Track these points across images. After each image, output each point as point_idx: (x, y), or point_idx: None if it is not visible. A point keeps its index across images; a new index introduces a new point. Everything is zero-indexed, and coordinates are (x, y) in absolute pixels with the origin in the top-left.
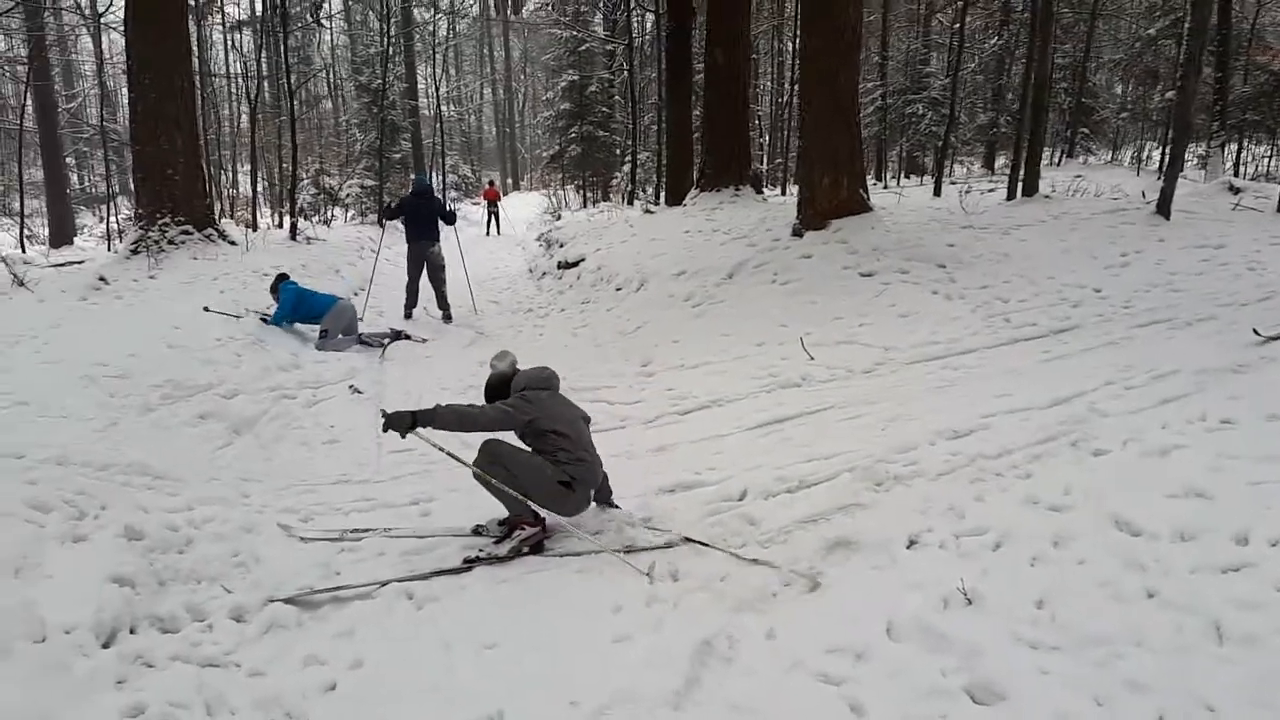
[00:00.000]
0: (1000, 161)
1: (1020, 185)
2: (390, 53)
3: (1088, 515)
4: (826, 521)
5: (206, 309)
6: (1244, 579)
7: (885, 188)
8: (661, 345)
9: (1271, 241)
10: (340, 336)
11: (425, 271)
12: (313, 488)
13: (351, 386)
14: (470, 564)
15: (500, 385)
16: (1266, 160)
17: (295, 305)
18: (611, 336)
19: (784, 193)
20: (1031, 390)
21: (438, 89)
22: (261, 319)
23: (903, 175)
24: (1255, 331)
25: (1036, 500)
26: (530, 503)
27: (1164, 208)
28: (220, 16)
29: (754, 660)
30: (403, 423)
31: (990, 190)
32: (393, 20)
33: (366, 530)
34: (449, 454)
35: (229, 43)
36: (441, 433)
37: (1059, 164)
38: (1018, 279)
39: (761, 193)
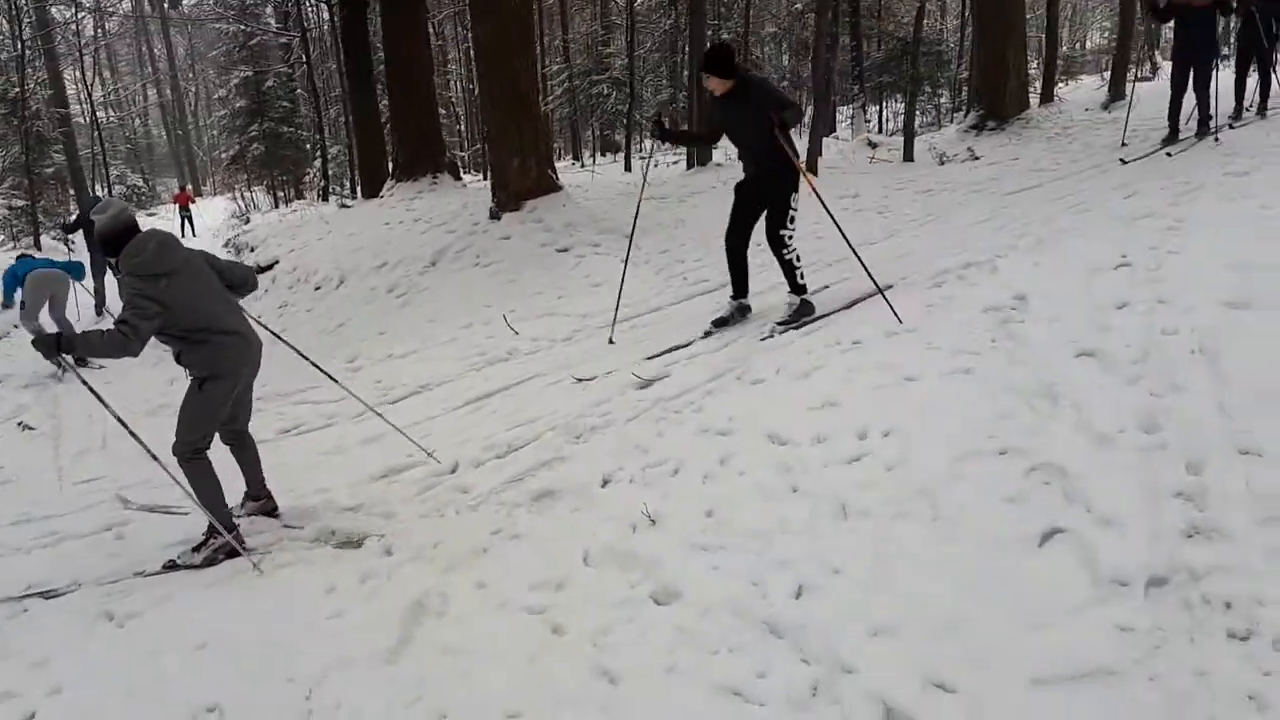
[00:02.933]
0: None
1: (695, 156)
2: (27, 57)
3: (747, 435)
4: (533, 477)
5: None
6: (863, 466)
7: (582, 166)
8: (368, 339)
9: (897, 187)
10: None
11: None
12: None
13: (21, 423)
14: (170, 567)
15: (113, 241)
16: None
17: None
18: (314, 337)
19: (485, 177)
20: (704, 338)
21: (90, 93)
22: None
23: (598, 154)
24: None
25: (707, 429)
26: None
27: (812, 165)
28: None
29: (465, 609)
30: (47, 345)
31: (674, 163)
32: (25, 21)
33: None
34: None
35: None
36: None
37: None
38: (691, 242)
39: (460, 179)
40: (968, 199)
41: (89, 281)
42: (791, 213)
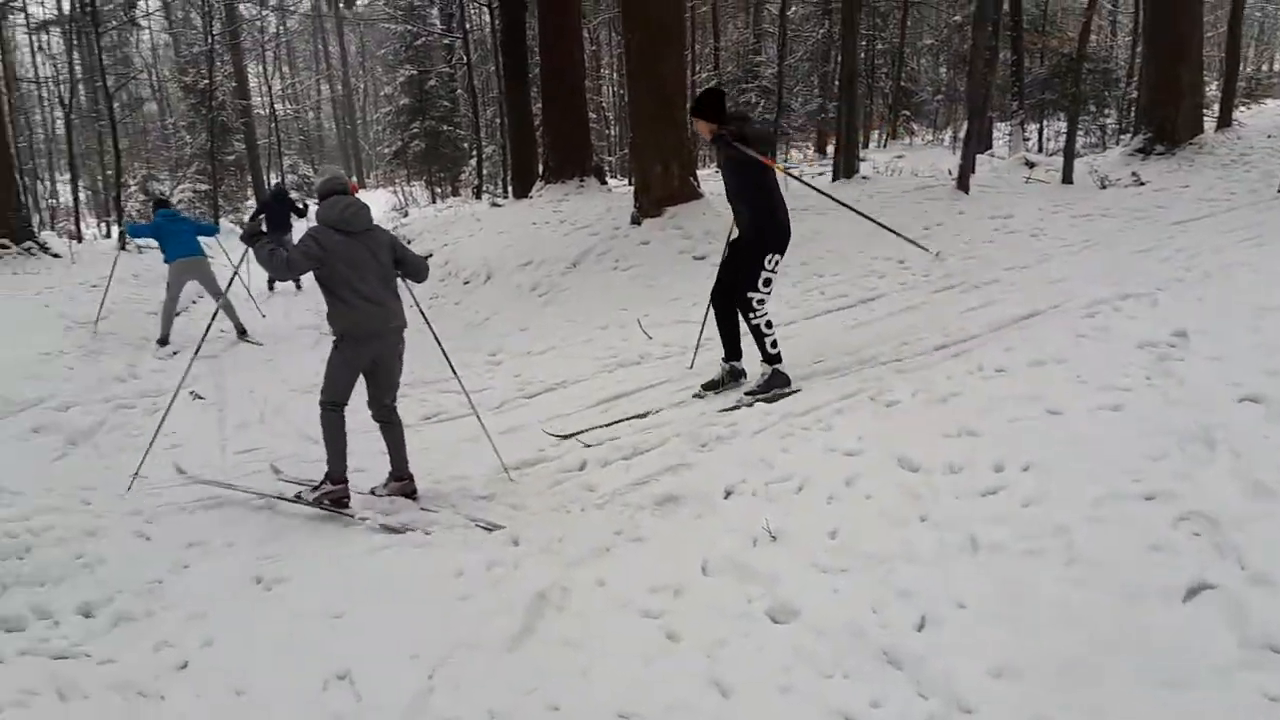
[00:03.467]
0: (831, 147)
1: (842, 167)
2: (216, 51)
3: (876, 457)
4: (656, 481)
5: None
6: (997, 499)
7: None
8: (510, 334)
9: (1053, 210)
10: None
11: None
12: (157, 490)
13: (193, 393)
14: (296, 499)
15: (322, 196)
16: (1064, 136)
17: (151, 233)
18: (460, 329)
19: (630, 182)
20: (839, 354)
21: (269, 87)
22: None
23: None
24: None
25: (834, 448)
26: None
27: (964, 183)
28: (24, 16)
29: (585, 605)
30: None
31: (819, 174)
32: (216, 18)
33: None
34: None
35: (35, 44)
36: None
37: (884, 145)
38: (830, 255)
39: (605, 183)
40: (1130, 226)
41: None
42: (765, 275)
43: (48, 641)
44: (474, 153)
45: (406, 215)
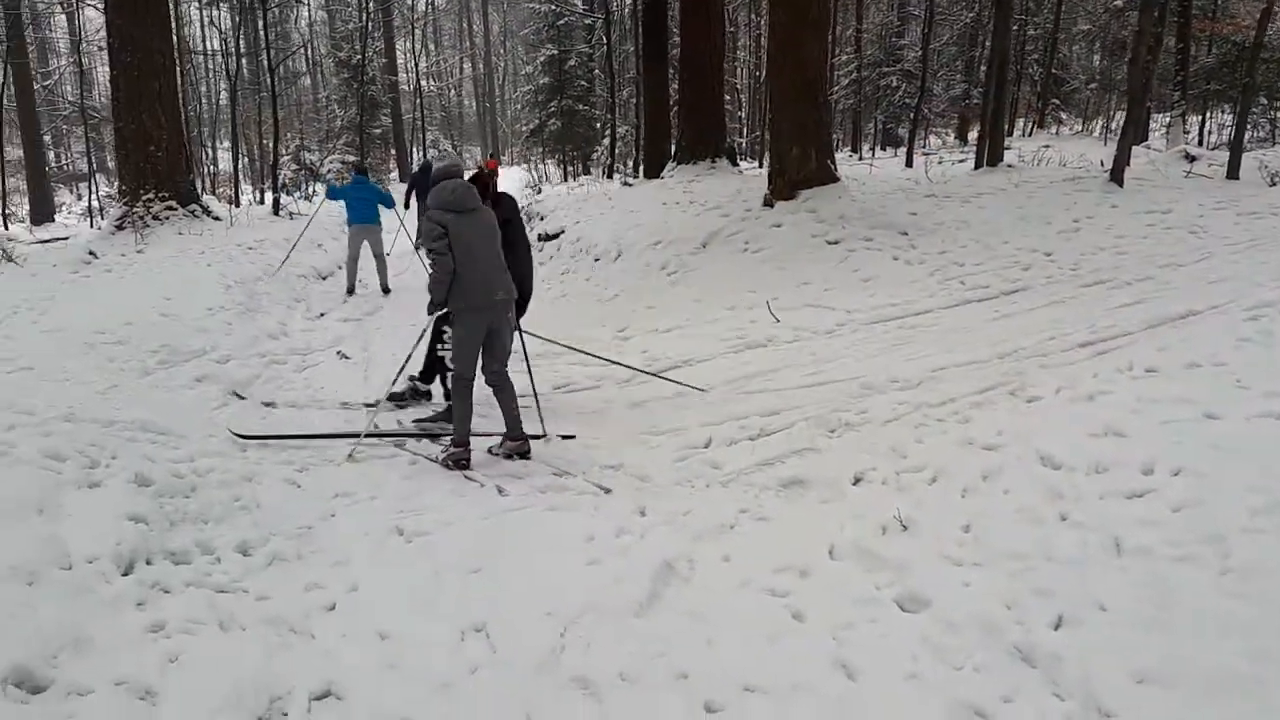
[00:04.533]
0: (973, 133)
1: (986, 155)
2: (369, 28)
3: (1015, 453)
4: (782, 463)
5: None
6: (1145, 503)
7: (860, 159)
8: (637, 311)
9: (1216, 207)
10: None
11: None
12: (305, 443)
13: (339, 352)
14: (420, 435)
15: (439, 178)
16: (1230, 129)
17: (342, 196)
18: (589, 304)
19: (761, 165)
20: (978, 346)
21: (417, 64)
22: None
23: (878, 147)
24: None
25: (972, 441)
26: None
27: (1118, 175)
28: None
29: (710, 579)
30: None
31: (960, 161)
32: None
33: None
34: None
35: (205, 19)
36: None
37: (1030, 134)
38: (973, 244)
39: (737, 165)
40: None
41: (400, 210)
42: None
43: (210, 576)
44: (607, 132)
45: (540, 192)
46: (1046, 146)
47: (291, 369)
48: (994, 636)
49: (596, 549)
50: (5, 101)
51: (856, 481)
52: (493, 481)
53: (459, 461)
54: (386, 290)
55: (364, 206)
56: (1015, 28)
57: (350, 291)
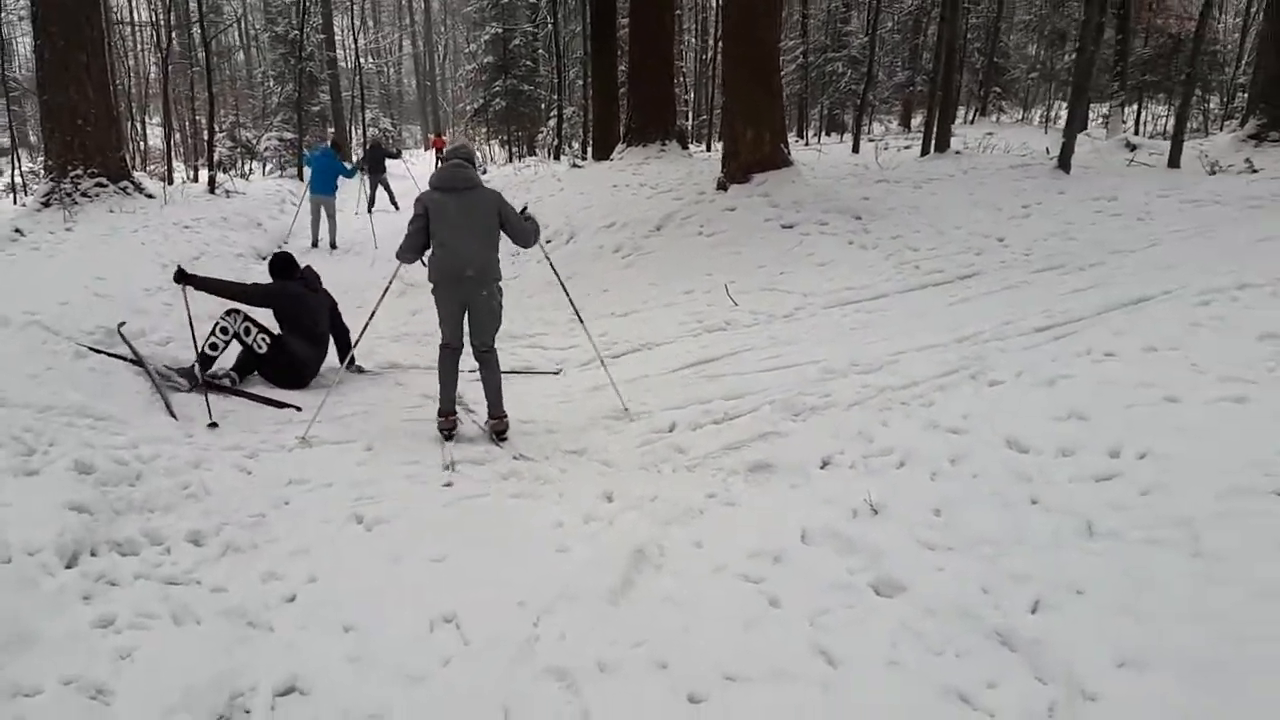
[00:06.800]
0: (917, 120)
1: (933, 142)
2: (306, 3)
3: (982, 437)
4: (748, 448)
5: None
6: (1114, 486)
7: (806, 145)
8: (592, 295)
9: (1160, 194)
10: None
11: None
12: (255, 429)
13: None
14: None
15: (446, 157)
16: (1164, 119)
17: (309, 163)
18: (541, 287)
19: (708, 149)
20: (937, 330)
21: (356, 40)
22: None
23: (824, 133)
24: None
25: (937, 425)
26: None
27: (1065, 163)
28: None
29: (683, 565)
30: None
31: (906, 147)
32: None
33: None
34: None
35: None
36: None
37: (972, 122)
38: (927, 229)
39: (687, 148)
40: (1244, 214)
41: (356, 181)
42: None
43: (160, 567)
44: (553, 113)
45: (485, 173)
46: (989, 134)
47: (232, 352)
48: (972, 621)
49: (564, 536)
50: None
51: (824, 465)
52: (449, 468)
53: (442, 430)
54: (334, 246)
55: (325, 177)
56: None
57: (314, 245)
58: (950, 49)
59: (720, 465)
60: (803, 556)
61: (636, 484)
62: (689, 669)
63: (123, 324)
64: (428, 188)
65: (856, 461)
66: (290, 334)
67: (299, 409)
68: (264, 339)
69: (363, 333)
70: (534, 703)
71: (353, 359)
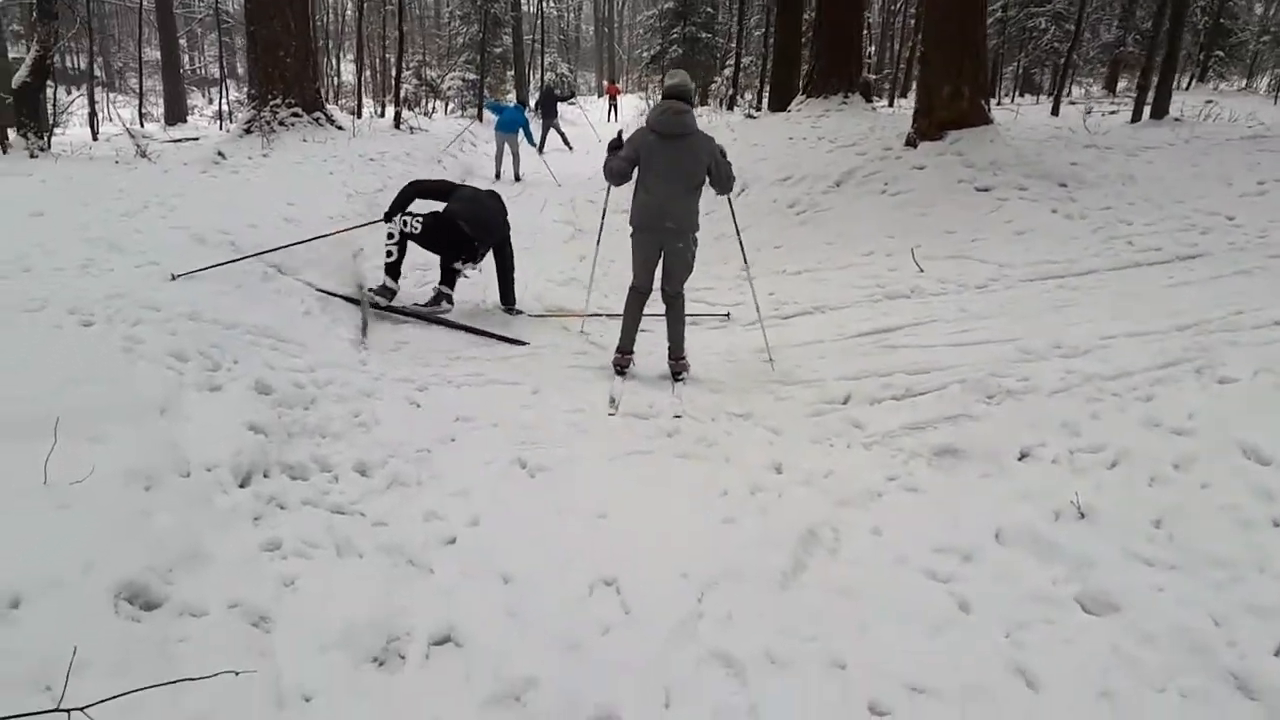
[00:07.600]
0: (1123, 84)
1: (1148, 107)
2: None
3: (1212, 441)
4: (934, 429)
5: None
6: None
7: (999, 105)
8: (764, 251)
9: None
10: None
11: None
12: (427, 362)
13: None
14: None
15: (667, 94)
16: None
17: (498, 109)
18: (710, 241)
19: (891, 104)
20: (1153, 315)
21: None
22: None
23: (1016, 93)
24: None
25: (1157, 423)
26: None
27: None
28: None
29: (859, 552)
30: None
31: (1113, 112)
32: None
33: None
34: None
35: None
36: None
37: (1187, 88)
38: (1142, 202)
39: (870, 102)
40: None
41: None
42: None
43: (328, 495)
44: (729, 62)
45: None
46: (1210, 102)
47: (412, 284)
48: (1201, 657)
49: (730, 506)
50: (145, 4)
51: (1022, 457)
52: (615, 415)
53: (616, 365)
54: (518, 178)
55: (510, 123)
56: None
57: (497, 177)
58: (1181, 2)
59: (901, 446)
60: (997, 557)
61: (807, 457)
62: (870, 674)
63: (360, 250)
64: (644, 125)
65: (1060, 456)
66: (453, 203)
67: (525, 344)
68: (417, 221)
69: None
70: (697, 688)
71: (513, 301)
